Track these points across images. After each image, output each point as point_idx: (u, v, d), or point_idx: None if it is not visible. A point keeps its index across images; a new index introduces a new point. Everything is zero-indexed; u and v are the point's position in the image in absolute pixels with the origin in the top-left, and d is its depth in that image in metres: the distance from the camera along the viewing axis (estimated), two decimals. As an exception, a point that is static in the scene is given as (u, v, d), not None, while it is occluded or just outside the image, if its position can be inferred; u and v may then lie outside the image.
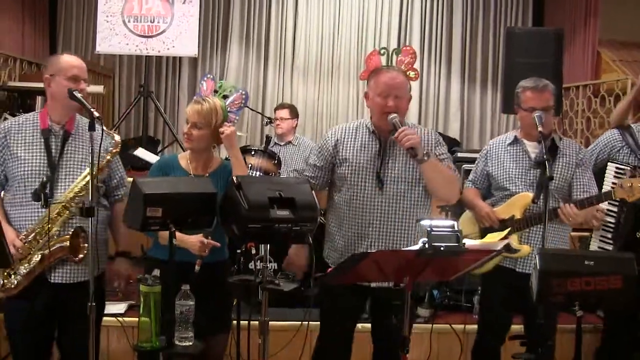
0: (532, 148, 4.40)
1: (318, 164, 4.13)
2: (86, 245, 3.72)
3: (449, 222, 3.09)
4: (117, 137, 3.98)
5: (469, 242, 3.13)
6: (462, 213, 4.78)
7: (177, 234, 3.37)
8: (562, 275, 3.02)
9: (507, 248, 4.08)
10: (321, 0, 9.96)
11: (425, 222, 3.10)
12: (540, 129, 4.18)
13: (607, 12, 8.98)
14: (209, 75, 4.36)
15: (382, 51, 4.23)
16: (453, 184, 4.01)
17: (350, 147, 4.04)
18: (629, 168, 4.60)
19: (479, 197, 4.57)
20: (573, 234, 5.17)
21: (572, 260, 3.09)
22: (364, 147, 4.02)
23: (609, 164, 4.75)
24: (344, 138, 4.07)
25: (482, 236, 4.47)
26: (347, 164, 4.02)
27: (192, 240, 3.83)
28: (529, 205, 4.29)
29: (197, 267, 3.84)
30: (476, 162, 4.74)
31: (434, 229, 3.04)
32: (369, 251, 3.46)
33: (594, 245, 4.69)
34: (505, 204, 4.40)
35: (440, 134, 9.17)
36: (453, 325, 5.47)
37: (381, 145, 4.00)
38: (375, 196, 3.96)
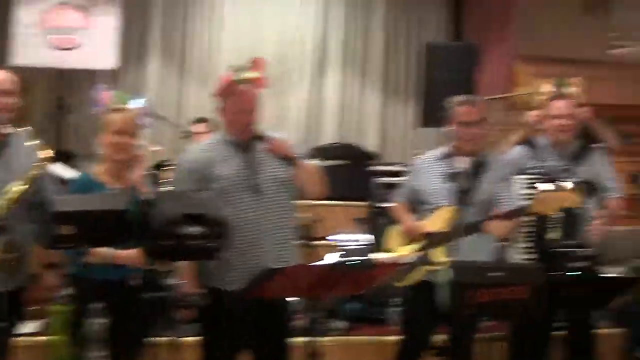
0: (462, 163, 4.50)
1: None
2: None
3: (362, 236, 3.16)
4: (45, 152, 3.92)
5: (381, 256, 3.19)
6: (388, 225, 4.82)
7: (111, 250, 3.34)
8: (473, 287, 3.08)
9: (425, 260, 4.21)
10: (241, 14, 9.94)
11: (338, 237, 3.16)
12: (451, 145, 4.31)
13: (523, 27, 9.26)
14: (104, 86, 4.36)
15: (234, 67, 4.32)
16: (321, 180, 4.22)
17: (219, 163, 4.10)
18: (537, 176, 4.72)
19: (407, 212, 4.64)
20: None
21: (483, 271, 3.17)
22: (230, 160, 4.10)
23: (518, 175, 4.84)
24: (210, 156, 4.13)
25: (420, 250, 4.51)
26: (221, 181, 4.06)
27: (129, 254, 3.79)
28: (455, 219, 4.36)
29: (132, 282, 3.79)
30: (406, 176, 4.86)
31: (346, 244, 3.09)
32: (282, 267, 3.48)
33: (516, 257, 4.77)
34: (431, 217, 4.46)
35: (359, 148, 9.36)
36: (369, 337, 5.49)
37: (246, 153, 4.11)
38: (254, 207, 4.02)
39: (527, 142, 5.11)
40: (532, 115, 5.47)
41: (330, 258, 3.13)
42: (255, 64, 4.30)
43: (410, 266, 3.56)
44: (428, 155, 4.73)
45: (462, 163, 4.48)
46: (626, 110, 9.02)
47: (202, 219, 3.33)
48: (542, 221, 4.62)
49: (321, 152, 8.61)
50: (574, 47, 10.17)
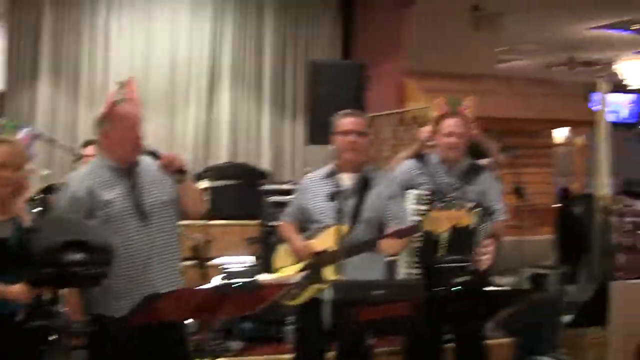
0: (348, 180, 4.52)
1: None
2: None
3: (245, 258, 3.19)
4: None
5: (264, 277, 3.22)
6: (279, 245, 4.84)
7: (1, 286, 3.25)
8: (355, 304, 3.13)
9: (315, 279, 4.25)
10: (132, 34, 9.85)
11: (223, 259, 3.18)
12: (334, 163, 4.37)
13: (414, 44, 9.49)
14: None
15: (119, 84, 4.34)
16: (203, 199, 4.35)
17: (103, 189, 4.03)
18: (428, 193, 4.81)
19: (295, 231, 4.64)
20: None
21: (364, 289, 3.22)
22: (114, 185, 4.05)
23: (409, 191, 4.89)
24: (94, 182, 4.06)
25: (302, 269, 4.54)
26: (106, 207, 4.00)
27: (17, 289, 3.66)
28: (344, 237, 4.31)
29: (20, 316, 3.69)
30: (294, 195, 4.86)
31: (229, 266, 3.11)
32: (167, 291, 3.48)
33: (402, 271, 4.81)
34: (320, 236, 4.47)
35: (251, 166, 9.40)
36: (265, 357, 5.54)
37: (129, 178, 4.07)
38: (141, 232, 4.00)
39: (418, 157, 5.18)
40: (423, 131, 5.57)
41: (216, 280, 3.13)
42: (128, 83, 4.29)
43: (298, 286, 3.58)
44: (315, 173, 4.75)
45: (347, 180, 4.51)
46: (514, 123, 9.37)
47: (84, 246, 3.30)
48: (429, 237, 4.66)
49: (213, 171, 8.63)
50: (464, 63, 10.52)
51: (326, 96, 7.60)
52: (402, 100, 9.32)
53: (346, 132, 4.50)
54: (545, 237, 9.56)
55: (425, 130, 5.56)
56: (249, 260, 3.24)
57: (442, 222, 4.30)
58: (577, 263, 9.25)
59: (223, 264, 3.17)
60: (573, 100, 10.25)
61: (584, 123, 9.90)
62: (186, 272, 6.33)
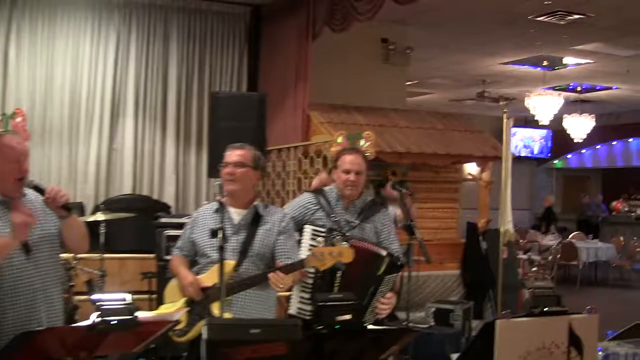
0: (237, 215, 4.54)
1: None
2: None
3: (121, 295, 3.16)
4: None
5: (142, 315, 3.20)
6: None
7: None
8: (229, 345, 3.12)
9: (202, 316, 4.24)
10: (32, 61, 9.80)
11: (96, 297, 3.14)
12: (219, 198, 4.39)
13: (317, 77, 9.64)
14: None
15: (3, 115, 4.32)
16: (86, 236, 4.22)
17: None
18: (324, 230, 4.81)
19: (184, 265, 4.63)
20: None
21: (239, 329, 3.21)
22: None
23: (305, 226, 4.93)
24: None
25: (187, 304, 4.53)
26: None
27: None
28: (232, 273, 4.37)
29: None
30: (184, 228, 4.82)
31: (105, 303, 3.08)
32: (40, 328, 3.44)
33: (293, 307, 4.87)
34: (208, 271, 4.48)
35: (151, 199, 9.37)
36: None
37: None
38: (25, 267, 3.93)
39: (315, 192, 5.22)
40: (321, 179, 5.66)
41: (92, 317, 3.11)
42: (15, 114, 4.27)
43: (174, 324, 3.56)
44: (207, 206, 4.77)
45: (236, 215, 4.54)
46: (421, 157, 9.51)
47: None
48: (325, 274, 4.69)
49: (111, 204, 8.59)
50: (372, 96, 10.70)
51: (227, 128, 7.66)
52: (307, 133, 9.45)
53: (226, 164, 4.55)
54: (451, 272, 9.69)
55: (322, 178, 5.63)
56: (127, 297, 3.20)
57: (325, 259, 4.32)
58: (483, 298, 9.45)
59: (99, 300, 3.12)
60: (481, 135, 10.46)
61: (492, 158, 10.10)
62: (81, 307, 6.42)
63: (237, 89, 10.57)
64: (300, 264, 4.38)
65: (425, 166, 9.94)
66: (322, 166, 8.41)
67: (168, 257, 5.35)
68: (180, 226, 4.98)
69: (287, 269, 4.36)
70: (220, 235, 4.12)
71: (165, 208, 9.21)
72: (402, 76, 12.00)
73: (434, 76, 15.81)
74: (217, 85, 10.53)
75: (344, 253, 4.32)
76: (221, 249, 4.11)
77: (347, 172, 5.02)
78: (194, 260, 4.67)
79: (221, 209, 4.38)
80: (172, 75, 10.40)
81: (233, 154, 4.56)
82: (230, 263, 4.33)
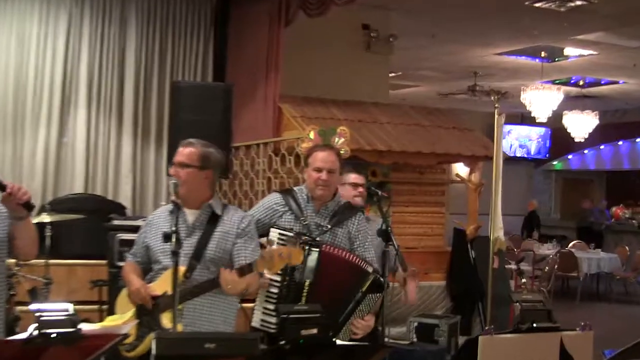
0: (191, 215, 4.57)
1: None
2: None
3: (63, 305, 3.15)
4: None
5: (87, 327, 3.20)
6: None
7: None
8: (178, 360, 3.16)
9: (153, 327, 4.25)
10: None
11: (34, 307, 3.14)
12: (174, 198, 4.42)
13: (290, 67, 9.68)
14: None
15: None
16: (37, 240, 4.31)
17: None
18: (292, 235, 4.77)
19: (136, 273, 4.65)
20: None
21: (192, 343, 3.23)
22: None
23: (271, 229, 4.95)
24: None
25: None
26: None
27: None
28: (183, 279, 4.34)
29: None
30: (138, 232, 4.84)
31: (44, 313, 3.08)
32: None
33: (256, 319, 4.90)
34: (160, 278, 4.50)
35: (104, 199, 9.35)
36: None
37: None
38: None
39: (284, 192, 5.27)
40: (299, 166, 5.72)
41: (30, 330, 3.10)
42: None
43: (123, 338, 3.56)
44: (163, 208, 4.81)
45: (191, 216, 4.58)
46: (405, 156, 9.52)
47: None
48: (290, 283, 4.78)
49: (58, 204, 8.56)
50: (350, 88, 10.73)
51: (189, 121, 7.67)
52: (279, 129, 9.49)
53: (178, 164, 4.58)
54: (436, 283, 9.74)
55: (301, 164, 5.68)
56: (70, 307, 3.19)
57: (274, 261, 4.32)
58: (472, 312, 9.50)
59: (38, 311, 3.12)
60: (471, 133, 10.52)
61: (483, 158, 10.14)
62: (23, 318, 6.40)
63: (201, 78, 10.56)
64: (249, 266, 4.38)
65: (408, 166, 10.00)
66: (294, 165, 8.45)
67: (121, 264, 5.36)
68: (135, 229, 5.00)
69: (242, 270, 4.37)
70: (173, 239, 4.15)
71: (119, 209, 9.19)
72: (385, 67, 12.06)
73: (421, 67, 15.89)
74: (179, 74, 10.52)
75: (293, 255, 4.33)
76: (175, 254, 4.15)
77: (319, 170, 5.05)
78: (149, 267, 4.68)
79: (176, 210, 4.40)
80: (129, 61, 10.36)
81: (179, 153, 4.60)
82: (179, 269, 4.27)
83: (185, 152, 4.58)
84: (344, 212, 5.16)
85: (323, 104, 9.88)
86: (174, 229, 4.17)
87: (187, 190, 4.52)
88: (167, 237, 4.16)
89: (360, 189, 5.71)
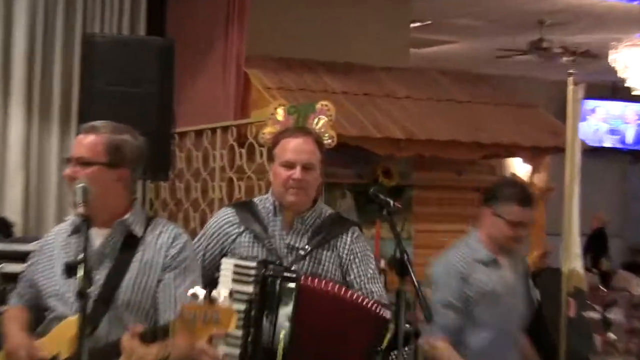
0: (98, 237, 4.45)
1: None
2: None
3: None
4: None
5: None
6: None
7: None
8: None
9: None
10: None
11: None
12: (81, 210, 4.30)
13: (261, 17, 9.80)
14: None
15: None
16: None
17: None
18: (254, 264, 4.77)
19: (19, 322, 4.64)
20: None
21: None
22: None
23: (224, 261, 4.90)
24: None
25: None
26: None
27: None
28: (81, 335, 4.00)
29: None
30: (27, 262, 4.81)
31: None
32: None
33: None
34: (51, 333, 4.45)
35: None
36: None
37: None
38: None
39: (242, 206, 5.32)
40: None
41: None
42: None
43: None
44: (62, 225, 4.76)
45: (98, 237, 4.45)
46: (430, 147, 9.55)
47: None
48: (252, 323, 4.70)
49: None
50: (350, 48, 10.76)
51: (110, 95, 7.67)
52: (245, 106, 9.60)
53: (72, 160, 4.43)
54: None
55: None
56: None
57: (196, 326, 3.91)
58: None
59: None
60: (533, 112, 10.59)
61: (551, 150, 10.21)
62: None
63: (129, 31, 10.57)
64: (163, 330, 4.13)
65: (438, 162, 10.03)
66: (267, 160, 8.35)
67: (2, 309, 5.40)
68: (25, 257, 4.99)
69: (146, 337, 4.12)
70: (80, 272, 3.86)
71: (2, 226, 9.19)
72: (404, 13, 12.10)
73: (459, 14, 15.93)
74: (95, 25, 10.52)
75: (222, 318, 3.93)
76: (82, 296, 3.83)
77: (290, 165, 5.00)
78: (43, 314, 4.61)
79: (84, 229, 4.16)
80: (19, 6, 10.42)
81: (77, 144, 4.48)
82: (70, 321, 4.22)
83: (85, 142, 4.41)
84: (330, 226, 5.19)
85: (311, 69, 9.91)
86: (81, 256, 3.87)
87: (90, 199, 4.36)
88: (70, 270, 3.91)
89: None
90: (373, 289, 5.09)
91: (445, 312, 5.63)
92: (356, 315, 4.84)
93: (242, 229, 5.11)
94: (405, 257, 4.79)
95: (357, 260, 5.15)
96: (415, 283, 4.77)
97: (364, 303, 4.86)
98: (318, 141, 5.22)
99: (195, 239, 5.15)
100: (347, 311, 4.82)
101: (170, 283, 4.44)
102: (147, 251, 4.47)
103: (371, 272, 5.18)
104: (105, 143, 4.41)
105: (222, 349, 4.41)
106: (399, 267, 4.87)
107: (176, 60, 8.38)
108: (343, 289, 4.89)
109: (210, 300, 3.88)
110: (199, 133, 9.62)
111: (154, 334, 4.11)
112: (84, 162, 4.37)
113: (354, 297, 4.87)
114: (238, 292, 4.53)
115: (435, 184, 10.29)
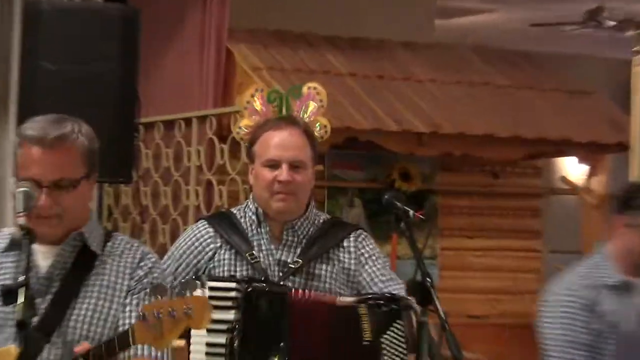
0: (44, 257, 4.39)
1: None
2: None
3: None
4: None
5: None
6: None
7: None
8: None
9: None
10: None
11: None
12: (22, 222, 4.22)
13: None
14: None
15: None
16: None
17: None
18: (233, 284, 4.83)
19: None
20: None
21: None
22: None
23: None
24: None
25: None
26: None
27: None
28: None
29: None
30: None
31: None
32: None
33: None
34: None
35: None
36: None
37: None
38: None
39: (218, 218, 5.35)
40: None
41: None
42: None
43: None
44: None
45: (43, 257, 4.33)
46: (460, 144, 9.49)
47: None
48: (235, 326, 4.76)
49: None
50: (359, 19, 10.69)
51: (58, 75, 7.58)
52: (228, 91, 9.58)
53: (43, 183, 4.37)
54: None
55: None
56: None
57: (163, 327, 3.89)
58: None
59: None
60: (590, 100, 10.51)
61: (613, 147, 10.12)
62: None
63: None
64: (124, 339, 4.07)
65: (470, 162, 9.99)
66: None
67: None
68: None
69: (100, 352, 4.09)
70: (20, 298, 3.87)
71: None
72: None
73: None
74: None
75: (196, 309, 3.87)
76: (22, 326, 3.87)
77: (274, 165, 4.97)
78: None
79: (27, 246, 4.11)
80: None
81: (34, 159, 4.21)
82: (12, 351, 4.15)
83: (58, 157, 4.19)
84: (326, 234, 5.18)
85: (311, 45, 9.87)
86: (22, 279, 3.90)
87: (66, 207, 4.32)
88: (8, 296, 3.92)
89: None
90: (391, 287, 5.09)
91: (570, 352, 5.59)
92: (337, 314, 4.87)
93: (219, 243, 5.09)
94: (428, 281, 4.73)
95: (367, 265, 5.16)
96: (441, 313, 4.69)
97: (333, 302, 4.89)
98: (307, 133, 5.22)
99: (162, 261, 4.99)
100: (332, 313, 4.88)
101: (127, 308, 4.39)
102: (108, 271, 4.40)
103: (385, 270, 5.16)
104: (83, 152, 4.27)
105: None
106: (421, 293, 4.81)
107: (141, 34, 8.29)
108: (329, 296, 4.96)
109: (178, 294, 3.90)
110: (169, 124, 9.60)
111: (104, 348, 4.09)
112: (64, 185, 4.19)
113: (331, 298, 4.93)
114: (215, 321, 4.52)
115: (465, 189, 10.20)
